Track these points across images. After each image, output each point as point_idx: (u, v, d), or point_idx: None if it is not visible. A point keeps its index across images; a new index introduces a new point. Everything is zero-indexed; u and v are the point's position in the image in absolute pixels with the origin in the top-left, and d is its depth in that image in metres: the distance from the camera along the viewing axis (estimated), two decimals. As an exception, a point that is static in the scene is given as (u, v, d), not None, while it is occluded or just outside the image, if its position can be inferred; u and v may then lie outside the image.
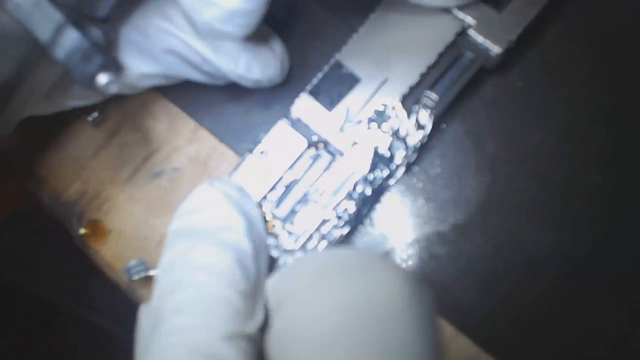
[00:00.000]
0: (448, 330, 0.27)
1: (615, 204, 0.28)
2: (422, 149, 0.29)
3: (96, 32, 0.24)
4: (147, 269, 0.28)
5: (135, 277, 0.28)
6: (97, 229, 0.31)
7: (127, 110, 0.32)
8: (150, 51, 0.27)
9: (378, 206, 0.29)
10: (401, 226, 0.29)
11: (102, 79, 0.23)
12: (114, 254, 0.30)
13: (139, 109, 0.32)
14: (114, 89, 0.24)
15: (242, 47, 0.27)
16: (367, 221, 0.29)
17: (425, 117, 0.28)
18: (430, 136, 0.29)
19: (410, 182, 0.29)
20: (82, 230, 0.31)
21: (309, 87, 0.29)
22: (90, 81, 0.23)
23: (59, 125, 0.32)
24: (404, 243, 0.29)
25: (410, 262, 0.28)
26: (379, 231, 0.29)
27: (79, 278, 0.47)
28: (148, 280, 0.29)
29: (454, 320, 0.27)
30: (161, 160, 0.31)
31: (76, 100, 0.29)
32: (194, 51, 0.27)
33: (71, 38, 0.22)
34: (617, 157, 0.28)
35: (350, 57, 0.29)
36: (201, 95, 0.32)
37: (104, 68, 0.23)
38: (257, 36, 0.27)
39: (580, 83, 0.29)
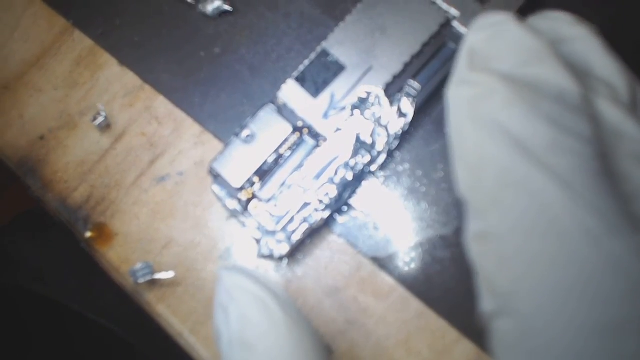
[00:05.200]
0: (451, 333, 0.27)
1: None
2: (425, 152, 0.29)
3: None
4: (152, 272, 0.29)
5: (141, 280, 0.28)
6: (103, 233, 0.31)
7: (132, 114, 0.32)
8: None
9: (382, 210, 0.29)
10: (404, 230, 0.29)
11: None
12: (120, 257, 0.31)
13: (144, 113, 0.32)
14: None
15: None
16: (370, 224, 0.29)
17: (408, 105, 0.29)
18: (433, 141, 0.30)
19: (413, 186, 0.29)
20: (88, 234, 0.31)
21: (295, 74, 0.30)
22: None
23: (65, 129, 0.33)
24: (407, 246, 0.29)
25: (413, 265, 0.28)
26: (382, 235, 0.29)
27: (85, 280, 0.48)
28: (153, 283, 0.30)
29: (457, 323, 0.27)
30: (166, 164, 0.32)
31: None
32: None
33: None
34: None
35: (337, 45, 0.30)
36: (207, 99, 0.32)
37: None
38: None
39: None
